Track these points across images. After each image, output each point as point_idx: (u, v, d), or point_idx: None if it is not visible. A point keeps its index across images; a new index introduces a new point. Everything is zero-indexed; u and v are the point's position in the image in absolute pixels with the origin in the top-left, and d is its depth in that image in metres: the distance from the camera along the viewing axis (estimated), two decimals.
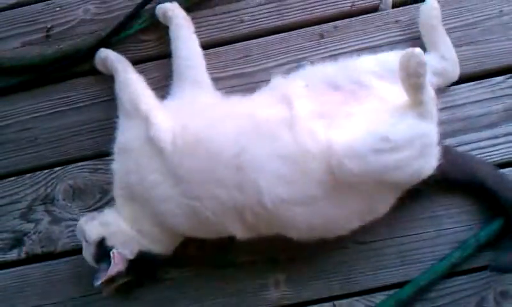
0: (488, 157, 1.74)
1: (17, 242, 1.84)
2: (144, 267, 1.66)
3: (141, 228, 1.63)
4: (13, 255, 1.84)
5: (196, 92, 1.74)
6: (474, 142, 1.75)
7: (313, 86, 1.63)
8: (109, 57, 1.83)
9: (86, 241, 1.64)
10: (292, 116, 1.55)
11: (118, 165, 1.67)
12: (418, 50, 1.45)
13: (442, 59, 1.72)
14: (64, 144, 1.89)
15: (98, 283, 1.57)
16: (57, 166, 1.88)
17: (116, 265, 1.58)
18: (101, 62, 1.86)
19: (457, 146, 1.74)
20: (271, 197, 1.52)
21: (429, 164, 1.55)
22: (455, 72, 1.74)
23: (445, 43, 1.74)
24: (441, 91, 1.72)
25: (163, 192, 1.59)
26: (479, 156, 1.74)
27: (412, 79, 1.47)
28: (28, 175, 1.88)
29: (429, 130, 1.54)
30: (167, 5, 1.84)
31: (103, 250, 1.61)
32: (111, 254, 1.58)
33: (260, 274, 1.74)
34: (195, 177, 1.57)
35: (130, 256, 1.62)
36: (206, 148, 1.57)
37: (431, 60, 1.68)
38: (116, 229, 1.63)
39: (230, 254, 1.75)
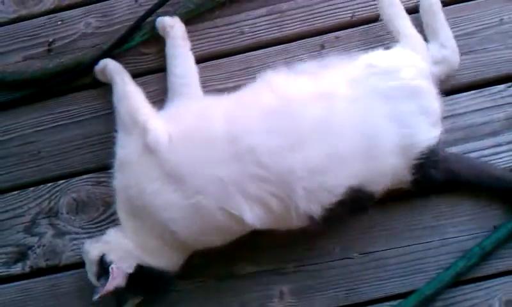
0: None
1: (21, 256, 1.80)
2: (146, 282, 1.62)
3: (143, 242, 1.59)
4: (17, 269, 1.80)
5: (189, 102, 1.71)
6: (477, 150, 1.72)
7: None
8: (108, 66, 1.79)
9: (89, 261, 1.60)
10: (271, 81, 1.62)
11: (118, 181, 1.63)
12: None
13: (442, 47, 1.70)
14: (67, 157, 1.86)
15: (96, 297, 1.53)
16: (61, 179, 1.84)
17: (114, 279, 1.54)
18: (100, 72, 1.82)
19: None
20: (266, 152, 1.50)
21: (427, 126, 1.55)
22: (455, 60, 1.71)
23: (444, 31, 1.72)
24: (441, 100, 1.65)
25: (164, 199, 1.55)
26: None
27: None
28: (31, 189, 1.84)
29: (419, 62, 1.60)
30: (166, 20, 1.82)
31: (103, 266, 1.57)
32: (110, 269, 1.54)
33: (265, 285, 1.71)
34: (193, 169, 1.54)
35: (130, 270, 1.57)
36: (199, 134, 1.57)
37: (431, 49, 1.69)
38: (116, 244, 1.60)
39: (235, 266, 1.72)
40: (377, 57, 1.64)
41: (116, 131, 1.68)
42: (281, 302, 1.70)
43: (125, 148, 1.63)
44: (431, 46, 1.70)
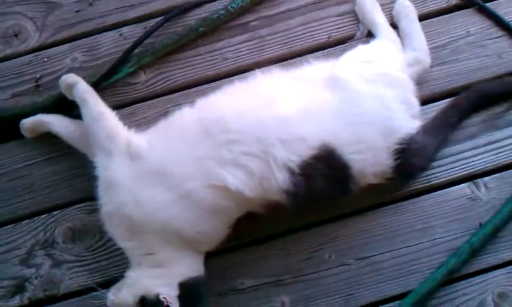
0: (472, 167, 1.66)
1: (19, 289, 1.64)
2: (194, 295, 1.48)
3: (161, 259, 1.47)
4: (15, 302, 1.63)
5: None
6: (456, 154, 1.67)
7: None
8: (78, 85, 1.63)
9: None
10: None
11: (108, 205, 1.49)
12: None
13: (413, 49, 1.68)
14: (59, 188, 1.72)
15: None
16: (55, 210, 1.70)
17: (174, 305, 1.41)
18: (65, 87, 1.67)
19: (441, 159, 1.66)
20: (233, 117, 1.46)
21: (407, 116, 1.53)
22: (426, 61, 1.70)
23: (417, 36, 1.71)
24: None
25: (158, 201, 1.45)
26: (463, 167, 1.66)
27: None
28: (26, 221, 1.70)
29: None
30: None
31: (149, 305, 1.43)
32: (161, 299, 1.40)
33: (266, 298, 1.60)
34: (174, 160, 1.48)
35: (176, 292, 1.44)
36: (173, 128, 1.53)
37: (405, 54, 1.66)
38: (146, 280, 1.45)
39: (235, 282, 1.61)
40: (361, 49, 1.64)
41: (90, 159, 1.57)
42: None
43: (109, 169, 1.50)
44: (405, 51, 1.68)
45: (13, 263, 1.67)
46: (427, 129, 1.58)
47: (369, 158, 1.49)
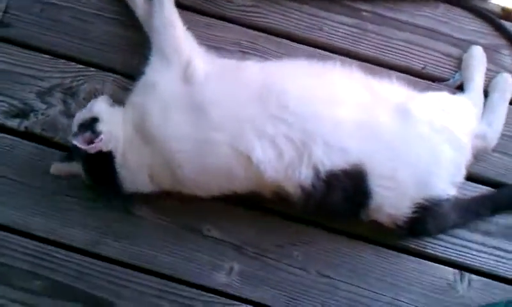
0: (468, 259, 1.52)
1: (22, 114, 1.56)
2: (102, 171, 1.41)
3: (138, 150, 1.40)
4: (13, 123, 1.55)
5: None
6: (463, 239, 1.52)
7: None
8: None
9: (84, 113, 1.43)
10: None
11: (138, 98, 1.43)
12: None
13: (488, 125, 1.52)
14: (110, 51, 1.61)
15: (75, 141, 1.32)
16: (94, 67, 1.59)
17: (98, 144, 1.35)
18: None
19: (448, 235, 1.52)
20: (296, 98, 1.36)
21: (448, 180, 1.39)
22: (492, 142, 1.53)
23: (499, 115, 1.54)
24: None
25: (181, 131, 1.37)
26: (460, 254, 1.52)
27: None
28: (63, 61, 1.59)
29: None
30: None
31: (90, 128, 1.37)
32: (100, 135, 1.35)
33: (220, 255, 1.51)
34: (219, 106, 1.37)
35: (106, 149, 1.36)
36: (234, 75, 1.42)
37: (479, 123, 1.51)
38: (114, 123, 1.40)
39: (202, 224, 1.51)
40: (444, 96, 1.50)
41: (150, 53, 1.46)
42: (227, 277, 1.50)
43: (159, 73, 1.42)
44: (482, 120, 1.52)
45: (31, 89, 1.58)
46: (457, 204, 1.45)
47: (392, 199, 1.37)
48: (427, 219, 1.40)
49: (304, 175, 1.34)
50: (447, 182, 1.40)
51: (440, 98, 1.49)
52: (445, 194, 1.39)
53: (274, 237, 1.51)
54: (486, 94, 1.58)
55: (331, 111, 1.37)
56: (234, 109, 1.37)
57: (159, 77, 1.42)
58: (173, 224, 1.51)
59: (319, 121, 1.35)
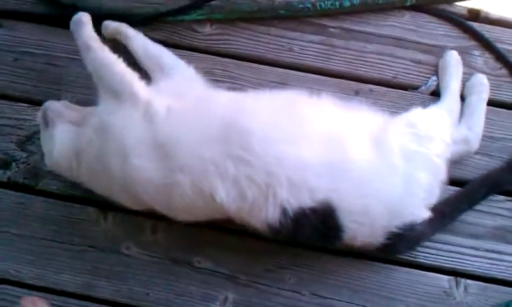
0: (461, 264, 1.55)
1: (4, 165, 1.60)
2: None
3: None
4: None
5: (192, 85, 1.55)
6: (453, 245, 1.55)
7: None
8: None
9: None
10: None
11: (95, 143, 1.41)
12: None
13: (469, 129, 1.53)
14: (87, 93, 1.62)
15: None
16: None
17: None
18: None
19: (437, 242, 1.55)
20: (260, 138, 1.34)
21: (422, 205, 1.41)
22: (474, 145, 1.55)
23: (478, 118, 1.56)
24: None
25: (144, 175, 1.36)
26: (453, 260, 1.54)
27: None
28: (39, 107, 1.58)
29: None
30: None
31: None
32: None
33: (214, 286, 1.52)
34: (183, 145, 1.35)
35: None
36: (198, 112, 1.40)
37: (458, 129, 1.53)
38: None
39: (194, 257, 1.53)
40: (416, 117, 1.47)
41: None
42: None
43: (115, 114, 1.39)
44: (460, 125, 1.54)
45: (11, 139, 1.61)
46: (431, 220, 1.44)
47: (364, 230, 1.38)
48: (400, 242, 1.41)
49: (271, 214, 1.33)
50: (421, 208, 1.40)
51: (412, 119, 1.46)
52: (418, 219, 1.39)
53: (265, 262, 1.52)
54: (463, 97, 1.59)
55: (297, 151, 1.34)
56: (198, 149, 1.34)
57: (115, 118, 1.39)
58: (162, 259, 1.52)
59: (283, 162, 1.32)
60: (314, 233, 1.36)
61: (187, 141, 1.35)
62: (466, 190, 1.53)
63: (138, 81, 1.43)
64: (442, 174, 1.43)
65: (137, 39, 1.63)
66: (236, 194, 1.33)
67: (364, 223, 1.36)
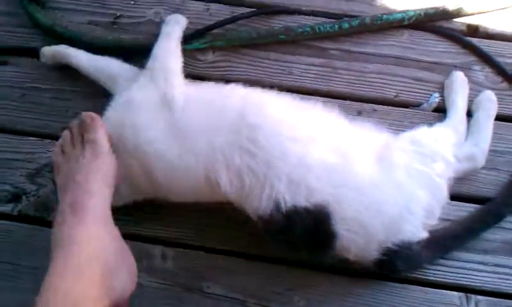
0: (471, 280, 1.55)
1: (15, 198, 1.63)
2: None
3: None
4: (7, 208, 1.63)
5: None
6: (462, 261, 1.56)
7: None
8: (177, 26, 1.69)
9: None
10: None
11: (118, 114, 1.49)
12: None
13: (475, 145, 1.55)
14: None
15: None
16: None
17: None
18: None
19: (446, 259, 1.55)
20: (267, 134, 1.39)
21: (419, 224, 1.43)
22: (480, 162, 1.56)
23: (485, 134, 1.58)
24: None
25: (159, 148, 1.43)
26: (463, 276, 1.54)
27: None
28: (49, 141, 1.67)
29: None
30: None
31: None
32: None
33: None
34: (196, 131, 1.42)
35: None
36: (214, 102, 1.48)
37: (464, 145, 1.55)
38: None
39: (203, 282, 1.54)
40: (421, 135, 1.50)
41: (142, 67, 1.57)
42: None
43: (143, 90, 1.49)
44: (467, 141, 1.57)
45: (21, 173, 1.64)
46: (429, 242, 1.46)
47: (359, 241, 1.38)
48: (396, 261, 1.41)
49: (264, 205, 1.36)
50: (419, 227, 1.41)
51: (418, 137, 1.49)
52: (415, 238, 1.40)
53: (274, 285, 1.53)
54: (470, 113, 1.62)
55: (302, 150, 1.38)
56: (209, 136, 1.40)
57: (142, 93, 1.48)
58: (171, 286, 1.53)
59: (286, 159, 1.36)
60: (306, 234, 1.37)
61: (200, 128, 1.42)
62: (467, 222, 1.55)
63: (178, 77, 1.53)
64: (443, 194, 1.45)
65: (81, 56, 1.70)
66: (237, 182, 1.38)
67: (359, 234, 1.37)
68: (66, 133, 1.46)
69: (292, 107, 1.50)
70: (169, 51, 1.59)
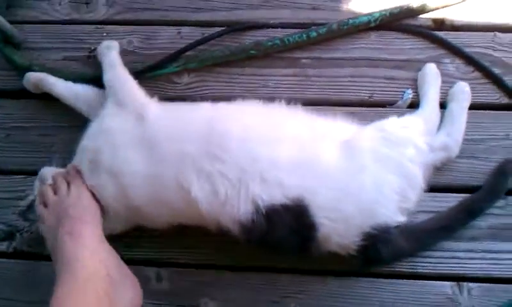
0: (461, 269, 1.60)
1: (9, 236, 1.69)
2: None
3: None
4: (2, 247, 1.69)
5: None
6: (450, 250, 1.60)
7: None
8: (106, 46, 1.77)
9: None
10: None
11: (91, 143, 1.57)
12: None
13: (448, 135, 1.60)
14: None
15: None
16: None
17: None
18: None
19: (433, 250, 1.60)
20: (235, 139, 1.47)
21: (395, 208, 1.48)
22: (454, 151, 1.61)
23: (460, 124, 1.64)
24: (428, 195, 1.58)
25: (133, 167, 1.49)
26: (453, 265, 1.60)
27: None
28: (36, 176, 1.71)
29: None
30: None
31: None
32: None
33: None
34: (168, 140, 1.50)
35: None
36: (184, 115, 1.56)
37: (438, 136, 1.60)
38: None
39: (201, 299, 1.60)
40: (390, 123, 1.56)
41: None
42: None
43: (114, 117, 1.57)
44: (440, 132, 1.62)
45: (12, 211, 1.71)
46: (407, 230, 1.51)
47: (339, 228, 1.43)
48: (378, 247, 1.45)
49: (243, 210, 1.41)
50: (394, 210, 1.45)
51: (386, 125, 1.55)
52: (392, 222, 1.44)
53: (270, 294, 1.58)
54: (444, 105, 1.68)
55: (270, 150, 1.45)
56: (180, 145, 1.47)
57: (114, 122, 1.56)
58: (170, 305, 1.59)
59: (257, 161, 1.43)
60: (288, 233, 1.42)
61: (171, 137, 1.49)
62: (445, 218, 1.59)
63: (139, 90, 1.63)
64: (416, 179, 1.49)
65: (59, 84, 1.77)
66: (209, 190, 1.43)
67: (337, 220, 1.42)
68: (43, 188, 1.57)
69: (257, 111, 1.59)
70: (121, 77, 1.67)
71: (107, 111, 1.60)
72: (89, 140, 1.58)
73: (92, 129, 1.59)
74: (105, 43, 1.76)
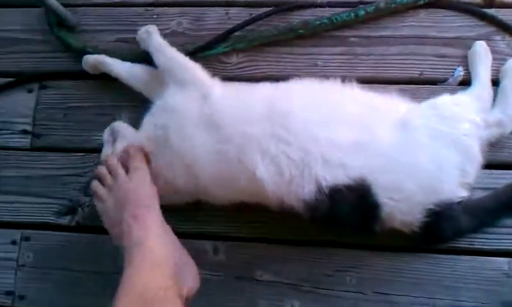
0: None
1: (71, 211, 1.78)
2: None
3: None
4: (64, 221, 1.79)
5: None
6: (508, 227, 1.62)
7: None
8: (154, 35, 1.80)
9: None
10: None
11: (159, 120, 1.63)
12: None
13: (502, 112, 1.61)
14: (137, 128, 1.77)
15: None
16: None
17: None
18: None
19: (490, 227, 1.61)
20: (298, 120, 1.51)
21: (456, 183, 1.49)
22: (509, 127, 1.61)
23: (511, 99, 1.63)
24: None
25: (198, 142, 1.55)
26: (509, 242, 1.61)
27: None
28: (95, 154, 1.80)
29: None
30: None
31: None
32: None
33: (278, 296, 1.62)
34: (232, 121, 1.54)
35: None
36: (247, 95, 1.61)
37: (492, 113, 1.61)
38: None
39: (255, 271, 1.66)
40: (443, 101, 1.58)
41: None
42: None
43: (179, 97, 1.62)
44: (493, 109, 1.63)
45: (74, 187, 1.80)
46: (468, 207, 1.53)
47: (402, 207, 1.46)
48: (441, 223, 1.47)
49: (307, 190, 1.45)
50: (455, 185, 1.47)
51: (439, 103, 1.57)
52: (454, 197, 1.46)
53: (325, 268, 1.62)
54: (497, 82, 1.68)
55: (331, 130, 1.49)
56: (245, 125, 1.51)
57: (179, 101, 1.61)
58: (226, 277, 1.65)
59: (318, 142, 1.47)
60: (352, 211, 1.46)
61: (235, 118, 1.54)
62: (504, 195, 1.60)
63: (200, 69, 1.67)
64: (474, 153, 1.50)
65: (118, 64, 1.83)
66: (274, 171, 1.47)
67: (400, 200, 1.45)
68: (101, 169, 1.61)
69: (315, 90, 1.63)
70: (176, 59, 1.72)
71: (170, 92, 1.65)
72: (156, 118, 1.64)
73: (157, 108, 1.66)
74: (143, 29, 1.80)
